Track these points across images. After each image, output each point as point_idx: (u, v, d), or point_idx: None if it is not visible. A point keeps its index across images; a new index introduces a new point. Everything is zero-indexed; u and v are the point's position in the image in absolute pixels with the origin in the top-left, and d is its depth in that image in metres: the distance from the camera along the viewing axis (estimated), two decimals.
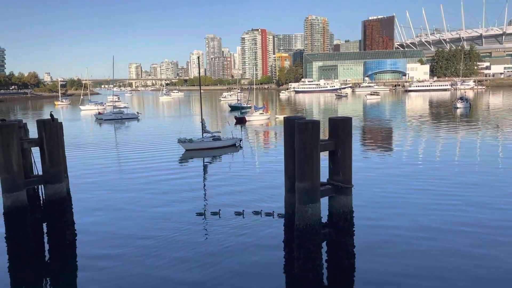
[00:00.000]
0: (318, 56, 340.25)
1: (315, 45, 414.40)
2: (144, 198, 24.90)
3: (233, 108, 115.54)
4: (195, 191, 26.40)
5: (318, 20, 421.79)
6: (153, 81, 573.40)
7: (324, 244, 15.77)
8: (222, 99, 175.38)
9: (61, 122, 19.47)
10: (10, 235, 17.96)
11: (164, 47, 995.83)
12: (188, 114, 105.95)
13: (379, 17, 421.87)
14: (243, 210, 20.94)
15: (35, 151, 19.51)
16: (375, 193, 23.85)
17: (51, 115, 19.62)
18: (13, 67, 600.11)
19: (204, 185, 28.88)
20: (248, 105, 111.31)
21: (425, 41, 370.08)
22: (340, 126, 15.79)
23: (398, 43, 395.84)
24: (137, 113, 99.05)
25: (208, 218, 20.47)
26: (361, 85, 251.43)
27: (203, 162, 40.31)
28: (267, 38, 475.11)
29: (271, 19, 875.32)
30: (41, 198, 19.74)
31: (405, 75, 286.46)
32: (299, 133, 14.92)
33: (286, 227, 16.80)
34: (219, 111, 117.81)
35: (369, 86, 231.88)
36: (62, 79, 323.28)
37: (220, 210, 21.21)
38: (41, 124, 18.68)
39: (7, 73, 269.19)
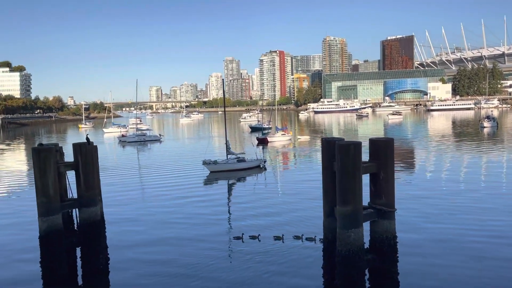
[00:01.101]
0: (337, 76, 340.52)
1: (334, 66, 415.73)
2: (176, 222, 24.48)
3: (254, 129, 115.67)
4: (226, 214, 25.95)
5: (336, 40, 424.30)
6: (173, 104, 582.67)
7: (366, 271, 15.09)
8: (241, 120, 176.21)
9: (96, 146, 19.54)
10: (45, 259, 17.87)
11: (183, 70, 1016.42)
12: (209, 136, 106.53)
13: (398, 36, 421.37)
14: (283, 235, 20.20)
15: (69, 174, 19.60)
16: (418, 217, 22.89)
17: (87, 139, 19.75)
18: (38, 92, 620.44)
19: (235, 208, 28.33)
20: (269, 126, 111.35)
21: (446, 60, 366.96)
22: (382, 147, 15.32)
23: (418, 63, 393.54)
24: (159, 135, 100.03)
25: (246, 242, 19.84)
26: (382, 104, 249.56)
27: (229, 184, 39.98)
28: (285, 60, 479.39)
29: (289, 41, 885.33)
30: (76, 222, 19.70)
31: (426, 94, 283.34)
32: (340, 155, 14.51)
33: (326, 252, 16.22)
34: (239, 132, 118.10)
35: (390, 106, 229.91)
36: (85, 103, 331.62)
37: (259, 234, 20.54)
38: (77, 147, 18.79)
39: (33, 97, 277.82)
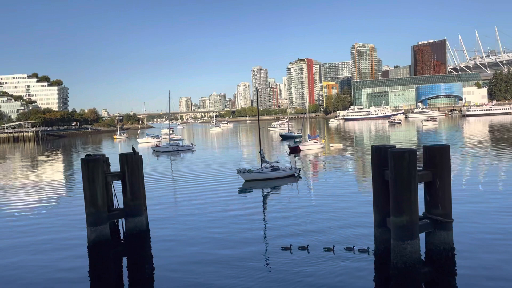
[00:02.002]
0: (367, 83, 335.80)
1: (363, 72, 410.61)
2: (218, 231, 24.21)
3: (284, 138, 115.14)
4: (269, 224, 25.38)
5: (365, 47, 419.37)
6: (202, 114, 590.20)
7: (423, 284, 14.35)
8: (271, 129, 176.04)
9: (141, 156, 19.72)
10: (94, 268, 18.08)
11: (212, 81, 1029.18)
12: (241, 145, 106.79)
13: (430, 41, 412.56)
14: (334, 246, 19.56)
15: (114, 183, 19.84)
16: (476, 228, 21.72)
17: (133, 149, 19.97)
18: (75, 104, 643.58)
19: (276, 218, 27.76)
20: (300, 134, 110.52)
21: (481, 63, 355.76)
22: (438, 155, 14.65)
23: (451, 67, 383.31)
24: (192, 144, 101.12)
25: (295, 254, 19.33)
26: (414, 111, 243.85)
27: (266, 193, 39.62)
28: (313, 67, 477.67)
29: (317, 48, 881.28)
30: (122, 231, 19.88)
31: (461, 99, 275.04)
32: (394, 163, 13.94)
33: (379, 265, 15.58)
34: (270, 141, 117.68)
35: (423, 112, 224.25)
36: (118, 114, 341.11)
37: (308, 245, 20.00)
38: (123, 158, 19.01)
39: (70, 110, 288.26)
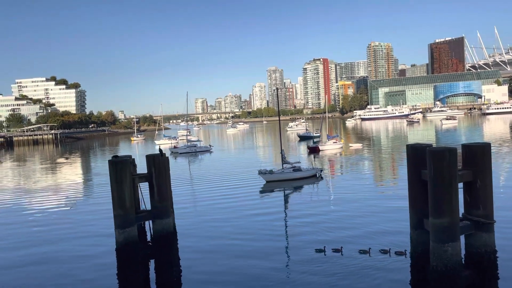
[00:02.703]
0: (384, 82, 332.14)
1: (379, 71, 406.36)
2: (247, 234, 23.80)
3: (302, 138, 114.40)
4: (298, 225, 24.71)
5: (381, 46, 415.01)
6: (218, 115, 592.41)
7: None
8: (288, 129, 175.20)
9: (168, 157, 19.56)
10: (122, 271, 17.97)
11: (227, 82, 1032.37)
12: (259, 146, 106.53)
13: (447, 39, 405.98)
14: (370, 248, 18.93)
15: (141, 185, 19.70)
16: None
17: (160, 150, 19.82)
18: (92, 107, 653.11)
19: (304, 219, 26.99)
20: (318, 134, 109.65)
21: (500, 60, 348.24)
22: (479, 153, 14.05)
23: (469, 65, 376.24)
24: (209, 145, 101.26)
25: (329, 256, 18.88)
26: (433, 109, 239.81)
27: (288, 194, 39.19)
28: (329, 67, 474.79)
29: (333, 48, 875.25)
30: (149, 233, 19.74)
31: (480, 97, 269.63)
32: (433, 162, 13.40)
33: (416, 268, 15.04)
34: (287, 141, 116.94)
35: (442, 111, 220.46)
36: (134, 116, 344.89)
37: (342, 247, 19.47)
38: (150, 159, 18.88)
39: (88, 113, 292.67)
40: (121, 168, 17.72)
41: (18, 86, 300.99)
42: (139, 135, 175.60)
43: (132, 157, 20.76)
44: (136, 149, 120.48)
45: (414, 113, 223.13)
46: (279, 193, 39.49)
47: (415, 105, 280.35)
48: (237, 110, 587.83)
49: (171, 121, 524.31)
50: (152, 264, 19.04)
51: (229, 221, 27.29)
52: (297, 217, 27.35)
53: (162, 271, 18.47)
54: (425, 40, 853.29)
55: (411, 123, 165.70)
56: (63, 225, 28.00)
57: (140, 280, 17.96)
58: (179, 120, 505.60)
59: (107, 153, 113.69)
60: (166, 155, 19.53)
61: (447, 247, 13.23)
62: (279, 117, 54.51)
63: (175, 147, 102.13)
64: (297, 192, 39.66)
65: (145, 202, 20.03)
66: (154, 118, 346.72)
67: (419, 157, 14.38)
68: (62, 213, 33.14)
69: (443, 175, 13.14)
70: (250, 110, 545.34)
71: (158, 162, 18.76)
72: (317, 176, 45.48)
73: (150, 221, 19.24)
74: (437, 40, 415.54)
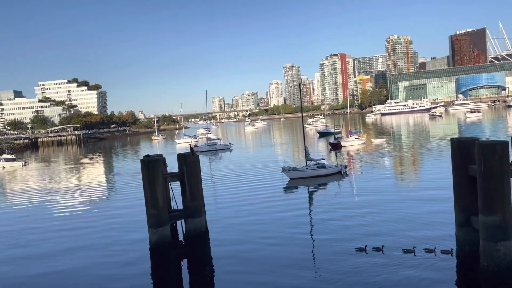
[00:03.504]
0: (404, 76, 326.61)
1: (399, 65, 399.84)
2: (279, 232, 23.21)
3: (322, 135, 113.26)
4: (330, 224, 24.07)
5: (400, 39, 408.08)
6: (235, 113, 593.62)
7: None
8: (307, 125, 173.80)
9: (199, 156, 19.29)
10: (156, 271, 17.81)
11: (244, 80, 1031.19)
12: (277, 143, 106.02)
13: (468, 30, 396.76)
14: (414, 247, 18.12)
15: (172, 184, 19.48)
16: None
17: (191, 149, 19.58)
18: (112, 107, 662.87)
19: (335, 217, 26.21)
20: (338, 131, 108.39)
21: None
22: None
23: (492, 56, 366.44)
24: (229, 143, 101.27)
25: (371, 255, 18.24)
26: (455, 103, 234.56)
27: (313, 191, 38.62)
28: (347, 62, 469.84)
29: (350, 43, 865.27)
30: (182, 233, 19.55)
31: (504, 89, 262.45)
32: (483, 156, 12.71)
33: (464, 268, 14.36)
34: (307, 138, 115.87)
35: (464, 104, 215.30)
36: (153, 116, 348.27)
37: (383, 246, 18.75)
38: (181, 158, 18.66)
39: (109, 113, 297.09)
40: (153, 167, 17.52)
41: (41, 88, 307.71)
42: (159, 135, 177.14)
43: (163, 156, 20.54)
44: (157, 148, 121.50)
45: (436, 107, 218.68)
46: (304, 191, 38.96)
47: (437, 99, 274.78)
48: (254, 108, 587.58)
49: (189, 120, 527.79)
50: (185, 263, 18.82)
51: (258, 219, 26.81)
52: (327, 215, 26.70)
53: (196, 271, 18.24)
54: (445, 32, 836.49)
55: (433, 117, 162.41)
56: (94, 227, 27.98)
57: (174, 280, 17.76)
58: (198, 119, 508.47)
59: (129, 153, 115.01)
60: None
61: (499, 246, 12.55)
62: (301, 114, 53.85)
63: (195, 145, 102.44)
64: (322, 190, 39.04)
65: (175, 202, 19.81)
66: (173, 117, 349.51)
67: (466, 151, 13.68)
68: (91, 214, 33.29)
69: (494, 170, 12.44)
70: (267, 107, 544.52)
71: (189, 161, 18.52)
72: (342, 172, 44.71)
73: (182, 221, 19.03)
74: (458, 32, 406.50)
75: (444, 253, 17.21)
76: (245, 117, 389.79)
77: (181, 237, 19.97)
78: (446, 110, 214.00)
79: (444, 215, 22.48)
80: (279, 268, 17.85)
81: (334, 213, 27.02)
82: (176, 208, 19.74)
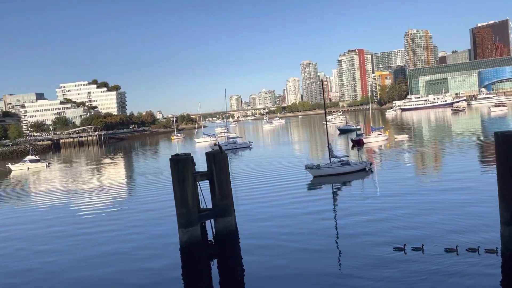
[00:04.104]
0: (424, 71, 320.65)
1: (418, 60, 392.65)
2: (308, 230, 22.64)
3: (342, 131, 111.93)
4: (362, 223, 23.38)
5: (419, 33, 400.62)
6: (253, 111, 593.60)
7: None
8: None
9: (227, 154, 18.97)
10: (187, 271, 17.59)
11: (261, 78, 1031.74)
12: (296, 141, 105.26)
13: (490, 22, 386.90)
14: (457, 246, 17.37)
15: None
16: None
17: (220, 147, 19.29)
18: (132, 108, 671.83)
19: (367, 216, 25.20)
20: (359, 127, 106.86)
21: None
22: None
23: None
24: (249, 142, 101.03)
25: (410, 255, 17.49)
26: (478, 97, 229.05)
27: (339, 189, 37.93)
28: (365, 58, 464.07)
29: (367, 38, 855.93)
30: (211, 232, 19.28)
31: None
32: None
33: (509, 268, 13.65)
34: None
35: (488, 98, 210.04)
36: (171, 116, 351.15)
37: (423, 245, 18.01)
38: (210, 156, 18.38)
39: (128, 113, 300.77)
40: (183, 166, 17.29)
41: (62, 90, 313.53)
42: (178, 134, 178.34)
43: (191, 155, 20.26)
44: (177, 148, 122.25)
45: (458, 101, 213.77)
46: (329, 189, 38.34)
47: (459, 93, 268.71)
48: (272, 106, 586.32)
49: (207, 119, 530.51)
50: (215, 263, 18.52)
51: (286, 219, 26.16)
52: (356, 215, 25.95)
53: (227, 271, 17.92)
54: (466, 25, 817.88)
55: (456, 112, 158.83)
56: (120, 228, 27.74)
57: (205, 280, 17.49)
58: (215, 118, 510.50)
59: (150, 152, 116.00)
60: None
61: None
62: (324, 110, 53.06)
63: (215, 144, 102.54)
64: (347, 188, 38.28)
65: (204, 201, 19.50)
66: (191, 116, 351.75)
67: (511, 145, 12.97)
68: (116, 215, 33.10)
69: None
70: (285, 105, 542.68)
71: (218, 160, 18.22)
72: (367, 170, 43.82)
73: (212, 220, 18.76)
74: (479, 25, 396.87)
75: (488, 252, 16.44)
76: (263, 115, 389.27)
77: (210, 237, 19.69)
78: (468, 104, 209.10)
79: (484, 213, 21.60)
80: (311, 270, 17.35)
81: (364, 212, 26.26)
82: (205, 207, 19.47)
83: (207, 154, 18.50)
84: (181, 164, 17.25)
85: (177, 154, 18.84)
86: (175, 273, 17.56)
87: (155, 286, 16.75)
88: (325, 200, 32.81)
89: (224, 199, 18.19)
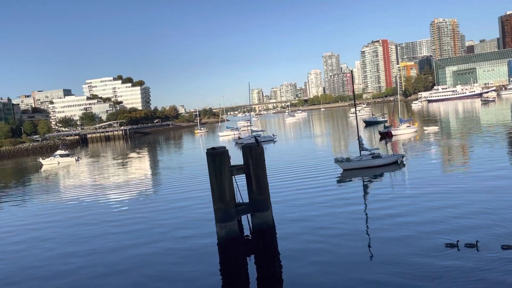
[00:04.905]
0: (451, 61, 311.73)
1: (444, 50, 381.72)
2: (347, 227, 21.96)
3: (368, 124, 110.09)
4: (406, 218, 22.56)
5: (446, 22, 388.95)
6: (274, 104, 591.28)
7: None
8: (350, 115, 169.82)
9: (263, 147, 18.56)
10: (225, 266, 17.38)
11: (282, 71, 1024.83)
12: (320, 134, 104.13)
13: None
14: None
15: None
16: None
17: (256, 139, 18.91)
18: (155, 103, 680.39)
19: (403, 210, 24.42)
20: (385, 119, 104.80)
21: None
22: None
23: None
24: (273, 135, 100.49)
25: (462, 252, 16.58)
26: (508, 87, 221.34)
27: (369, 183, 37.05)
28: (389, 48, 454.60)
29: (391, 28, 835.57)
30: (249, 227, 19.00)
31: None
32: None
33: None
34: (352, 127, 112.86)
35: None
36: (194, 110, 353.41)
37: (478, 241, 17.14)
38: (247, 150, 18.03)
39: (152, 108, 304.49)
40: (220, 160, 17.01)
41: (88, 86, 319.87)
42: (202, 128, 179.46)
43: (226, 148, 19.92)
44: (200, 142, 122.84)
45: (488, 92, 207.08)
46: (361, 183, 37.53)
47: (487, 83, 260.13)
48: (293, 99, 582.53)
49: (228, 113, 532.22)
50: (253, 259, 18.17)
51: (320, 213, 25.37)
52: (394, 209, 25.05)
53: (265, 267, 17.57)
54: (494, 13, 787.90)
55: (486, 102, 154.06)
56: (154, 223, 27.32)
57: (243, 275, 17.19)
58: (237, 112, 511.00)
59: (175, 146, 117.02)
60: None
61: None
62: (354, 102, 51.96)
63: (239, 137, 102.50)
64: (380, 181, 37.35)
65: (240, 195, 19.13)
66: (213, 110, 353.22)
67: None
68: (148, 209, 32.83)
69: None
70: (306, 98, 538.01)
71: (255, 153, 17.86)
72: (399, 163, 42.71)
73: (248, 215, 18.46)
74: (508, 12, 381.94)
75: None
76: (284, 108, 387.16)
77: (246, 231, 19.37)
78: (498, 95, 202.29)
79: None
80: (353, 268, 16.77)
81: (403, 207, 25.21)
82: (241, 201, 19.19)
83: (244, 147, 18.16)
84: (218, 158, 16.97)
85: (213, 148, 18.56)
86: (213, 268, 17.31)
87: (194, 282, 16.57)
88: (358, 194, 32.08)
89: (261, 193, 17.84)
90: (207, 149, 18.21)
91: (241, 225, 19.19)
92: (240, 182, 20.91)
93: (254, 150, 17.85)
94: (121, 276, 18.18)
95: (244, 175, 17.78)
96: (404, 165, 42.12)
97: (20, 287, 18.77)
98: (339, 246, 19.10)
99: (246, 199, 19.86)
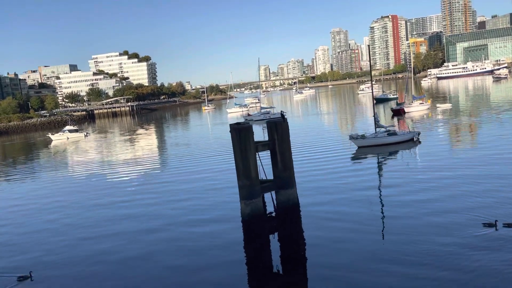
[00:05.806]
0: (462, 37, 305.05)
1: (455, 25, 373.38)
2: (371, 205, 21.35)
3: (379, 101, 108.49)
4: (437, 195, 21.91)
5: None
6: (281, 81, 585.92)
7: None
8: (359, 92, 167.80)
9: (288, 123, 17.97)
10: (249, 243, 17.08)
11: (289, 47, 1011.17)
12: (330, 111, 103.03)
13: None
14: None
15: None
16: None
17: (282, 115, 18.32)
18: (162, 79, 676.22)
19: (429, 188, 23.78)
20: (395, 96, 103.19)
21: None
22: None
23: None
24: (282, 112, 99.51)
25: (501, 231, 16.07)
26: None
27: (385, 160, 36.38)
28: (399, 24, 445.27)
29: (401, 3, 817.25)
30: (273, 205, 18.61)
31: None
32: None
33: None
34: (362, 105, 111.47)
35: None
36: (200, 86, 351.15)
37: (496, 221, 16.73)
38: (272, 125, 17.45)
39: (159, 85, 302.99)
40: (245, 135, 16.45)
41: (94, 61, 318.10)
42: (209, 104, 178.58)
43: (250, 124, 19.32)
44: (208, 118, 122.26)
45: (499, 69, 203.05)
46: (377, 160, 36.90)
47: (499, 60, 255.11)
48: (300, 76, 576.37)
49: (235, 90, 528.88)
50: (276, 236, 17.83)
51: (340, 191, 24.90)
52: (420, 187, 24.32)
53: (288, 245, 17.22)
54: None
55: (498, 79, 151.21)
56: (175, 200, 26.75)
57: (267, 253, 16.89)
58: (243, 88, 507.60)
59: (179, 123, 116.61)
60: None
61: None
62: (371, 78, 50.73)
63: (249, 114, 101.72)
64: (398, 159, 36.70)
65: (264, 172, 18.65)
66: (220, 87, 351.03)
67: None
68: (165, 187, 32.14)
69: None
70: (314, 74, 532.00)
71: (280, 129, 17.27)
72: (415, 140, 41.98)
73: (273, 192, 18.06)
74: None
75: None
76: (291, 85, 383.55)
77: (269, 209, 18.98)
78: (510, 71, 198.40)
79: None
80: (384, 248, 16.37)
81: (428, 185, 24.59)
82: (265, 178, 18.73)
83: (269, 123, 17.59)
84: (243, 133, 16.40)
85: (238, 123, 18.00)
86: (238, 246, 16.98)
87: (217, 258, 16.29)
88: (375, 171, 31.55)
89: (286, 170, 17.36)
90: (230, 125, 17.64)
91: (264, 203, 18.81)
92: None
93: (280, 125, 17.28)
94: (136, 261, 17.89)
95: (267, 151, 17.31)
96: (420, 142, 41.39)
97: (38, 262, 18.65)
98: (365, 226, 18.64)
99: (267, 176, 19.37)
